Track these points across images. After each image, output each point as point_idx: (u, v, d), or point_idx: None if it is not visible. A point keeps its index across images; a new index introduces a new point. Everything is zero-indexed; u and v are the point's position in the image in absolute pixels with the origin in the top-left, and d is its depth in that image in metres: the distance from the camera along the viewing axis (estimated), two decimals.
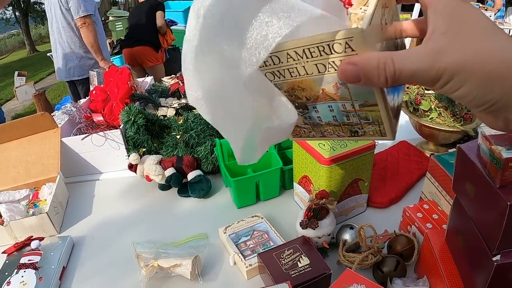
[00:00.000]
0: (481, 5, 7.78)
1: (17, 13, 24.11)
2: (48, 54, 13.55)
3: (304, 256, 0.96)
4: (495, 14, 7.39)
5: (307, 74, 0.53)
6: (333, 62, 0.49)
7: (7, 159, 1.60)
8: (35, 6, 25.96)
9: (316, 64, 0.51)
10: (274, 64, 0.54)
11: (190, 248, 1.13)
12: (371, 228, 1.01)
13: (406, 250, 1.00)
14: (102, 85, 1.89)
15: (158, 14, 4.79)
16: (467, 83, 0.41)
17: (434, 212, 1.05)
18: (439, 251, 0.88)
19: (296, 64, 0.52)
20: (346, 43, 0.45)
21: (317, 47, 0.48)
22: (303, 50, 0.50)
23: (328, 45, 0.47)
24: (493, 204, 0.66)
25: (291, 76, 0.55)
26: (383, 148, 1.55)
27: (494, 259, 0.67)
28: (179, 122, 1.54)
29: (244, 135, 0.61)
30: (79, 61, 3.79)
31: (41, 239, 1.25)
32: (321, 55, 0.49)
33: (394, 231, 1.07)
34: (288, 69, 0.54)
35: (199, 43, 0.51)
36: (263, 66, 0.55)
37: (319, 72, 0.51)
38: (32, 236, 1.27)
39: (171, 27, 5.57)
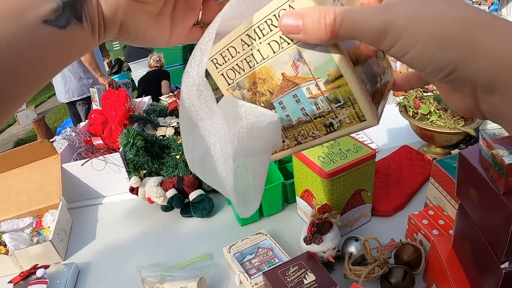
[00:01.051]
0: None
1: None
2: None
3: (309, 272, 0.94)
4: (488, 8, 7.40)
5: (264, 59, 0.49)
6: (283, 34, 0.46)
7: (9, 187, 1.60)
8: None
9: (269, 43, 0.47)
10: (232, 57, 0.51)
11: (195, 270, 1.12)
12: (375, 240, 0.99)
13: (413, 259, 0.99)
14: (101, 97, 1.90)
15: (163, 83, 5.12)
16: (420, 41, 0.35)
17: (440, 217, 1.03)
18: (447, 259, 0.87)
19: (251, 49, 0.49)
20: (289, 5, 0.43)
21: (265, 21, 0.46)
22: (254, 30, 0.47)
23: (274, 15, 0.44)
24: (498, 211, 0.65)
25: (250, 67, 0.51)
26: (385, 154, 1.54)
27: (502, 266, 0.66)
28: (178, 142, 1.54)
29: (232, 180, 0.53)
30: (77, 81, 3.84)
31: (46, 267, 1.25)
32: (271, 30, 0.46)
33: (400, 240, 1.06)
34: (245, 58, 0.51)
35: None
36: (223, 64, 0.53)
37: (274, 52, 0.48)
38: (38, 265, 1.27)
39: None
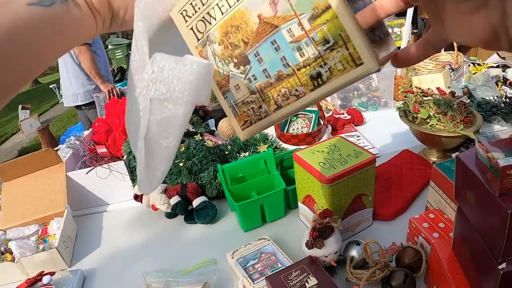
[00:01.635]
0: None
1: None
2: (50, 86, 13.69)
3: (311, 276, 0.96)
4: None
5: (237, 0, 0.43)
6: None
7: (15, 196, 1.62)
8: None
9: None
10: (203, 4, 0.46)
11: (199, 275, 1.13)
12: (376, 243, 1.01)
13: (414, 262, 1.00)
14: (104, 106, 1.91)
15: None
16: None
17: (440, 220, 1.04)
18: (447, 261, 0.88)
19: None
20: None
21: None
22: None
23: None
24: (494, 212, 0.66)
25: (222, 13, 0.45)
26: (386, 159, 1.55)
27: (500, 267, 0.67)
28: (181, 150, 1.55)
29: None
30: (81, 87, 3.90)
31: (52, 274, 1.26)
32: None
33: (401, 243, 1.07)
34: (217, 3, 0.45)
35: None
36: (193, 15, 0.47)
37: None
38: (44, 271, 1.27)
39: None
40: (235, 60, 0.46)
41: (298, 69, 0.43)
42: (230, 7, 0.44)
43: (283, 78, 0.44)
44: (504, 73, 2.32)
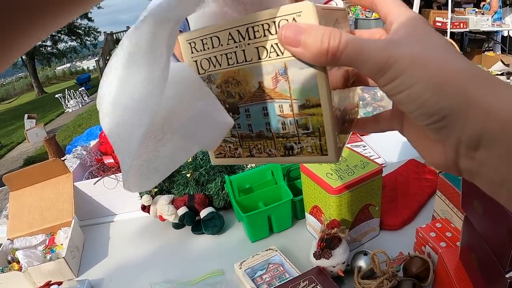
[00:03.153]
0: (477, 9, 7.81)
1: (23, 57, 24.57)
2: (56, 96, 13.73)
3: (319, 286, 0.96)
4: (492, 17, 7.42)
5: (246, 61, 0.46)
6: (276, 44, 0.43)
7: (22, 205, 1.63)
8: (41, 48, 26.43)
9: (257, 48, 0.45)
10: (213, 47, 0.48)
11: (207, 286, 1.14)
12: (383, 253, 1.01)
13: (421, 271, 1.00)
14: None
15: None
16: (419, 83, 0.35)
17: (447, 230, 1.04)
18: (454, 270, 0.88)
19: (237, 47, 0.46)
20: (294, 19, 0.41)
21: (262, 25, 0.43)
22: (247, 29, 0.44)
23: (274, 22, 0.42)
24: (501, 221, 0.66)
25: (228, 64, 0.47)
26: (392, 169, 1.55)
27: (507, 276, 0.67)
28: (188, 161, 1.56)
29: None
30: None
31: (59, 283, 1.27)
32: (264, 35, 0.43)
33: (409, 253, 1.07)
34: (226, 54, 0.47)
35: None
36: (200, 51, 0.49)
37: (259, 58, 0.45)
38: (51, 281, 1.28)
39: None
40: (227, 106, 0.50)
41: (277, 137, 0.49)
42: (238, 63, 0.47)
43: (262, 138, 0.50)
44: (508, 81, 2.32)
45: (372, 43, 0.37)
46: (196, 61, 0.50)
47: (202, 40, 0.48)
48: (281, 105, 0.46)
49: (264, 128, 0.49)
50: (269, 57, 0.44)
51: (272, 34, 0.43)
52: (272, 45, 0.43)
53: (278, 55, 0.44)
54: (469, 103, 0.33)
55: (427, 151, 0.42)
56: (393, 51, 0.36)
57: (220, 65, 0.48)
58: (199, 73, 0.50)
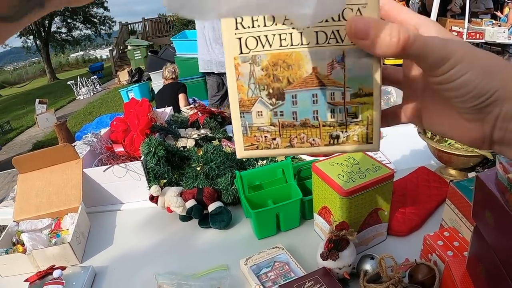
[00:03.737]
0: (494, 21, 7.77)
1: (38, 42, 24.73)
2: (68, 83, 13.79)
3: (325, 287, 0.96)
4: (509, 30, 7.38)
5: (302, 44, 0.45)
6: (338, 31, 0.43)
7: (30, 188, 1.63)
8: (56, 35, 26.58)
9: (317, 32, 0.44)
10: (265, 25, 0.45)
11: (212, 280, 1.13)
12: (391, 258, 1.00)
13: (427, 279, 0.99)
14: (124, 106, 1.93)
15: (181, 96, 5.16)
16: (471, 71, 0.41)
17: (455, 239, 1.04)
18: (461, 280, 0.87)
19: (294, 28, 0.44)
20: (359, 9, 0.42)
21: None
22: None
23: None
24: None
25: (280, 45, 0.45)
26: (402, 175, 1.54)
27: None
28: (199, 154, 1.56)
29: None
30: (221, 57, 4.27)
31: (63, 268, 1.26)
32: (326, 21, 0.43)
33: (415, 260, 1.06)
34: (280, 34, 0.45)
35: None
36: (248, 28, 0.46)
37: (317, 43, 0.44)
38: (54, 265, 1.28)
39: None
40: (271, 91, 0.48)
41: (323, 125, 0.48)
42: (292, 45, 0.45)
43: (307, 126, 0.48)
44: None
45: (433, 39, 0.42)
46: (240, 38, 0.46)
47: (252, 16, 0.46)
48: (333, 93, 0.46)
49: (311, 116, 0.47)
50: (328, 43, 0.44)
51: (334, 21, 0.43)
52: (333, 31, 0.43)
53: (337, 42, 0.44)
54: (508, 85, 0.41)
55: (461, 131, 0.46)
56: (450, 46, 0.41)
57: (270, 45, 0.46)
58: (241, 51, 0.47)
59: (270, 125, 0.49)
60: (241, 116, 0.49)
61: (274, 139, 0.50)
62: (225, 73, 4.22)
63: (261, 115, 0.49)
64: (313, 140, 0.48)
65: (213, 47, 4.35)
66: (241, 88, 0.48)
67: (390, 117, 0.55)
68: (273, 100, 0.48)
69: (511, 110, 0.41)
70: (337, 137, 0.48)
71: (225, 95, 4.75)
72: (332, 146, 0.48)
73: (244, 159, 1.59)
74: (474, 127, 0.45)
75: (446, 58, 0.41)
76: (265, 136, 0.50)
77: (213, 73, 4.59)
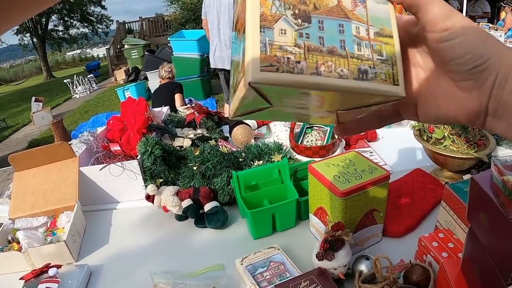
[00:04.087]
0: (491, 25, 7.80)
1: (34, 40, 24.65)
2: (65, 81, 13.76)
3: (320, 287, 0.96)
4: (505, 34, 7.40)
5: None
6: None
7: (25, 186, 1.63)
8: (52, 33, 26.49)
9: None
10: None
11: (207, 279, 1.14)
12: (386, 259, 1.01)
13: (422, 280, 1.00)
14: (120, 105, 1.93)
15: (177, 96, 5.13)
16: (471, 33, 0.44)
17: (449, 240, 1.05)
18: (455, 281, 0.88)
19: None
20: None
21: None
22: None
23: None
24: (506, 235, 0.67)
25: None
26: (398, 177, 1.55)
27: None
28: (196, 154, 1.56)
29: None
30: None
31: (58, 266, 1.27)
32: None
33: (410, 260, 1.07)
34: None
35: None
36: None
37: None
38: (50, 264, 1.28)
39: None
40: (296, 11, 0.44)
41: (351, 57, 0.44)
42: None
43: (334, 54, 0.43)
44: None
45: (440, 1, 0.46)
46: None
47: None
48: (358, 27, 0.45)
49: (338, 44, 0.44)
50: None
51: None
52: None
53: None
54: (502, 52, 0.44)
55: (457, 105, 0.48)
56: (454, 15, 0.45)
57: None
58: None
59: (295, 46, 0.43)
60: (261, 31, 0.43)
61: (299, 62, 0.42)
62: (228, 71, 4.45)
63: (285, 33, 0.43)
64: (342, 70, 0.43)
65: (227, 44, 4.52)
66: (264, 2, 0.44)
67: (386, 115, 0.55)
68: (299, 21, 0.44)
69: (505, 78, 0.43)
70: (366, 72, 0.44)
71: None
72: (361, 81, 0.43)
73: (240, 159, 1.60)
74: (471, 98, 0.46)
75: (448, 16, 0.44)
76: (287, 58, 0.42)
77: (224, 69, 4.76)
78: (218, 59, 4.68)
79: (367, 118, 0.56)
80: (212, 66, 4.84)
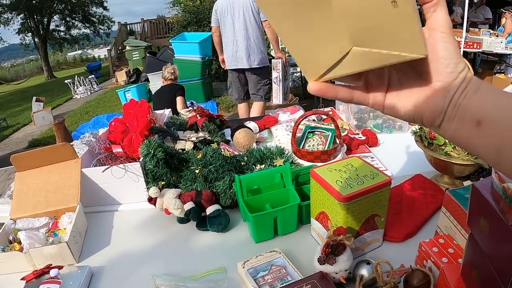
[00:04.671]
0: (492, 31, 7.80)
1: (36, 39, 24.65)
2: (66, 81, 13.75)
3: None
4: (506, 39, 7.41)
5: None
6: None
7: (27, 186, 1.63)
8: (54, 33, 26.47)
9: None
10: None
11: (209, 282, 1.14)
12: (387, 263, 1.01)
13: (422, 285, 1.00)
14: (123, 107, 1.93)
15: (178, 99, 5.17)
16: (457, 48, 0.54)
17: (449, 246, 1.05)
18: (455, 286, 0.89)
19: None
20: None
21: None
22: None
23: None
24: (506, 241, 0.68)
25: None
26: (398, 182, 1.56)
27: None
28: (198, 157, 1.57)
29: None
30: (260, 53, 4.94)
31: (60, 267, 1.26)
32: None
33: (410, 265, 1.07)
34: None
35: None
36: None
37: None
38: (51, 264, 1.28)
39: None
40: None
41: None
42: None
43: None
44: None
45: None
46: None
47: None
48: None
49: None
50: None
51: None
52: None
53: None
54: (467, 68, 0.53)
55: (425, 103, 0.55)
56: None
57: None
58: None
59: None
60: None
61: None
62: (246, 69, 4.99)
63: None
64: None
65: (243, 45, 4.82)
66: None
67: (358, 92, 0.60)
68: None
69: (475, 89, 0.53)
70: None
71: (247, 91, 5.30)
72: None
73: (242, 163, 1.60)
74: (439, 99, 0.54)
75: (450, 26, 0.54)
76: None
77: (236, 69, 5.03)
78: (238, 60, 4.93)
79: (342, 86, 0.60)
80: (230, 67, 5.04)
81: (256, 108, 5.20)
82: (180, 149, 1.78)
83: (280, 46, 5.05)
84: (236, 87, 5.25)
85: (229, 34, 4.89)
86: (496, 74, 7.66)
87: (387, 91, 0.59)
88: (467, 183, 1.51)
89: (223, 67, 5.30)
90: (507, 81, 6.73)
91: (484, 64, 8.47)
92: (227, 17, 4.83)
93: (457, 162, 1.38)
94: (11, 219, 1.53)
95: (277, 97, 5.20)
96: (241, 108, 5.40)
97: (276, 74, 5.01)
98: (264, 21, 4.83)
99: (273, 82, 5.11)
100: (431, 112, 0.55)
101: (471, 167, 1.41)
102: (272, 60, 5.04)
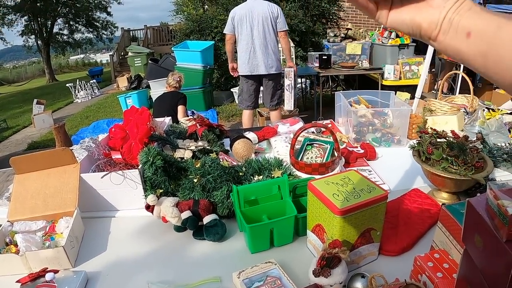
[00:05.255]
0: None
1: (39, 42, 24.69)
2: (67, 85, 13.72)
3: None
4: None
5: None
6: None
7: (26, 189, 1.64)
8: (57, 36, 26.51)
9: None
10: None
11: None
12: (382, 277, 1.02)
13: None
14: (124, 114, 1.93)
15: (180, 108, 5.18)
16: None
17: (444, 261, 1.06)
18: None
19: None
20: None
21: None
22: None
23: None
24: (500, 257, 0.68)
25: None
26: (395, 196, 1.57)
27: None
28: (197, 166, 1.57)
29: None
30: (276, 60, 5.18)
31: (55, 271, 1.26)
32: None
33: (405, 280, 1.07)
34: None
35: None
36: None
37: None
38: (47, 268, 1.28)
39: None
40: None
41: None
42: None
43: None
44: None
45: None
46: None
47: None
48: None
49: None
50: None
51: None
52: None
53: None
54: None
55: (423, 16, 0.62)
56: None
57: None
58: None
59: None
60: None
61: None
62: (263, 75, 5.19)
63: None
64: None
65: (261, 52, 5.01)
66: None
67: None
68: None
69: (468, 7, 0.59)
70: None
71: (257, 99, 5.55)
72: None
73: (241, 173, 1.61)
74: (435, 13, 0.61)
75: None
76: None
77: (251, 76, 5.17)
78: (254, 66, 5.09)
79: None
80: (246, 73, 5.18)
81: (276, 114, 5.44)
82: (179, 157, 1.79)
83: (291, 57, 5.16)
84: (248, 94, 5.37)
85: (245, 41, 5.03)
86: (496, 89, 7.67)
87: (391, 9, 0.66)
88: (464, 198, 1.52)
89: (232, 74, 5.45)
90: (507, 96, 6.74)
91: (485, 79, 8.48)
92: (245, 25, 4.98)
93: (454, 178, 1.39)
94: (8, 221, 1.53)
95: (288, 103, 5.45)
96: (247, 115, 5.47)
97: (289, 81, 5.34)
98: (280, 31, 5.07)
99: (285, 89, 5.33)
100: (428, 24, 0.62)
101: (468, 182, 1.41)
102: (285, 68, 5.34)
